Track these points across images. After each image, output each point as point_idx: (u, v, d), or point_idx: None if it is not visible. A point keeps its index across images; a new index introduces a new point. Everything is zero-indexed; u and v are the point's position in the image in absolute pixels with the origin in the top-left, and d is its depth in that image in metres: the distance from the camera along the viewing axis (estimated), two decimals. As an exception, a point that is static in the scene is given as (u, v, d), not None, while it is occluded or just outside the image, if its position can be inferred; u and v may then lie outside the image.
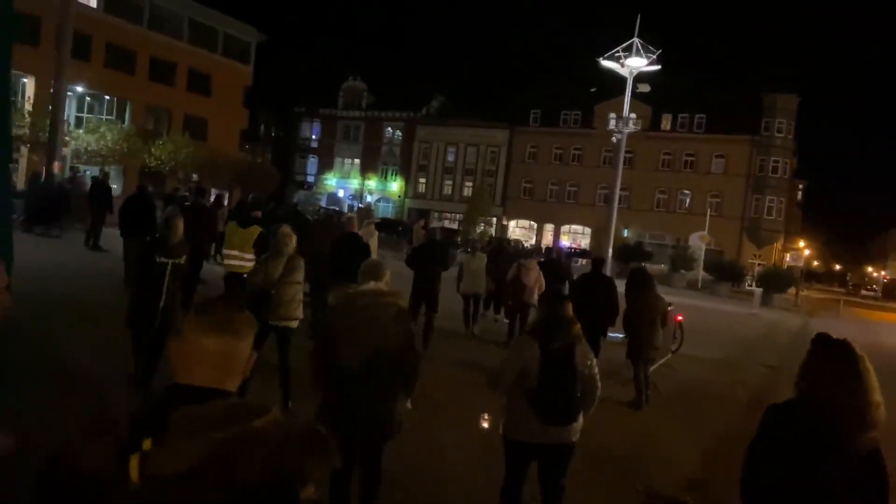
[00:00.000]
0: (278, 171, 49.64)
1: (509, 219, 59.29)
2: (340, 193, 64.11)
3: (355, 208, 58.63)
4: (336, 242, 9.01)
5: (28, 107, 30.97)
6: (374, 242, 10.88)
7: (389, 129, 64.32)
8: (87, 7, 37.82)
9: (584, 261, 33.51)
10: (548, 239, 56.98)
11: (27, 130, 29.61)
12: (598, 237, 42.32)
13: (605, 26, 74.13)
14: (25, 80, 33.85)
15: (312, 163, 67.66)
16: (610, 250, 25.55)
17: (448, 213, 61.16)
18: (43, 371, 5.97)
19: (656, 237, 52.27)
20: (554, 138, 58.32)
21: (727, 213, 52.02)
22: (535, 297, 9.65)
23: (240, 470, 1.23)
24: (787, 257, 48.64)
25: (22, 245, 14.34)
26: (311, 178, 67.01)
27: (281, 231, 6.12)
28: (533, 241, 53.40)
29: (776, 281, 33.11)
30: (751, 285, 37.11)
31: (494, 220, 57.19)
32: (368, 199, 63.02)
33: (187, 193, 15.87)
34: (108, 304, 8.39)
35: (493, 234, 49.34)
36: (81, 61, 36.64)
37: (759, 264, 45.24)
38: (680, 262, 37.65)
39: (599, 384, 3.91)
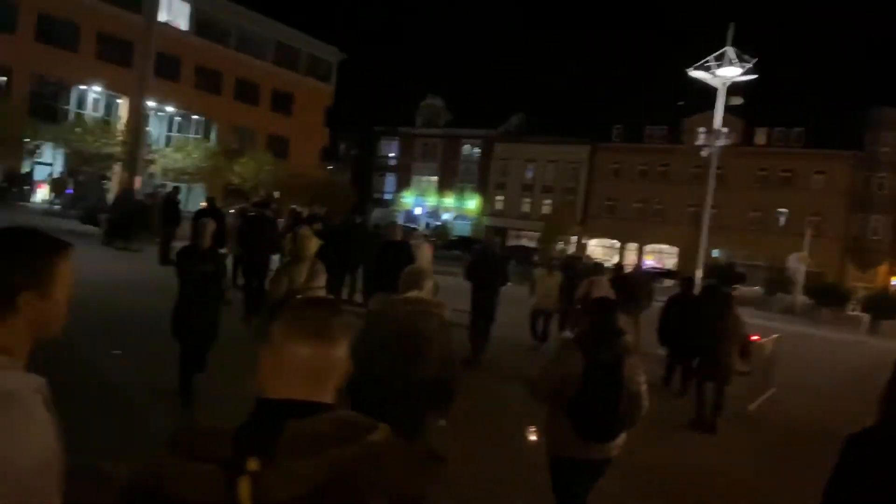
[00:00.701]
0: (356, 189, 50.01)
1: (590, 237, 57.53)
2: (418, 211, 64.04)
3: (432, 226, 58.56)
4: (379, 250, 9.09)
5: (121, 126, 32.02)
6: (423, 255, 10.55)
7: (467, 146, 63.92)
8: (178, 29, 39.22)
9: (672, 281, 31.72)
10: (631, 259, 54.87)
11: (119, 148, 30.58)
12: (686, 257, 40.22)
13: (692, 37, 71.63)
14: (119, 100, 35.19)
15: (391, 181, 68.02)
16: (700, 271, 23.98)
17: (526, 231, 59.97)
18: (90, 383, 5.89)
19: (748, 258, 49.37)
20: (638, 154, 56.36)
21: (827, 232, 48.51)
22: None
23: (363, 492, 1.16)
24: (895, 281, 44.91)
25: (100, 258, 14.43)
26: (389, 196, 67.34)
27: (301, 234, 5.87)
28: (614, 261, 51.30)
29: (886, 306, 30.30)
30: (854, 310, 34.22)
31: (574, 238, 55.60)
32: (445, 216, 62.63)
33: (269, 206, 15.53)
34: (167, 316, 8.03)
35: (570, 253, 47.86)
36: (171, 82, 38.02)
37: (864, 287, 41.85)
38: (777, 285, 35.19)
39: (646, 402, 3.60)
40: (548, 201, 59.20)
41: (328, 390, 1.32)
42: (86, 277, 11.45)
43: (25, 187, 30.72)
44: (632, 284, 11.91)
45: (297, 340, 1.30)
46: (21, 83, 32.51)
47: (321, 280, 5.79)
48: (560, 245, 50.44)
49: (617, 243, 57.37)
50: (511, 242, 53.06)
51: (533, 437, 4.24)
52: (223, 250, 13.58)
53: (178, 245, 13.64)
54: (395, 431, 3.14)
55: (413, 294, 3.56)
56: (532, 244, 51.88)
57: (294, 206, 18.48)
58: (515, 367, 8.84)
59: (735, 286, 32.75)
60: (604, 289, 10.13)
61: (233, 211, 16.82)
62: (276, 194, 41.53)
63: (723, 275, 35.17)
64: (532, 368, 8.90)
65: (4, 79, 32.26)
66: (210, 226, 5.97)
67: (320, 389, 1.30)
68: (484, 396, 7.15)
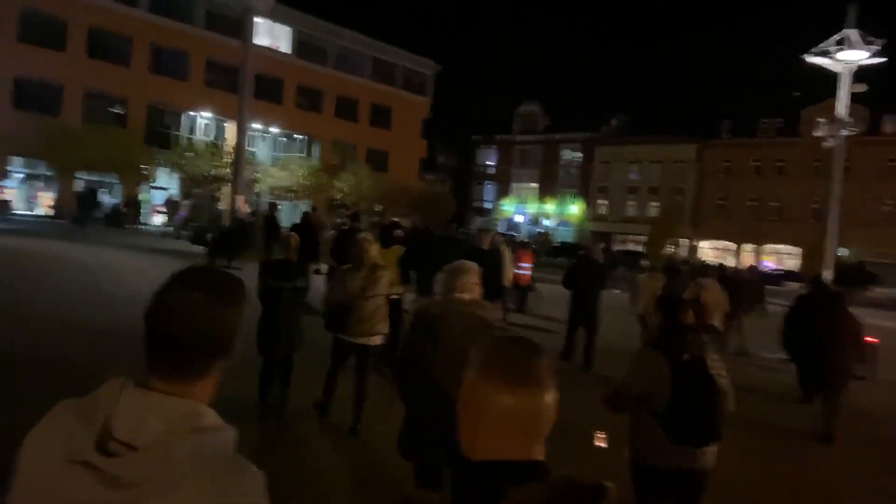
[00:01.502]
0: (455, 199, 49.98)
1: (701, 239, 54.70)
2: (518, 219, 63.29)
3: (534, 234, 57.60)
4: (464, 257, 8.24)
5: (228, 148, 33.39)
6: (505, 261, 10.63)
7: (567, 151, 62.59)
8: (280, 52, 40.64)
9: (798, 284, 29.31)
10: (747, 260, 51.63)
11: (228, 170, 31.87)
12: (810, 257, 37.19)
13: (804, 22, 66.66)
14: (227, 124, 36.72)
15: (490, 189, 67.70)
16: (828, 272, 21.94)
17: (632, 235, 57.86)
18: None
19: (881, 256, 45.15)
20: (750, 150, 53.09)
21: (972, 226, 43.72)
22: (717, 318, 9.21)
23: None
24: None
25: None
26: (488, 205, 67.02)
27: (360, 238, 5.69)
28: (730, 263, 48.52)
29: None
30: None
31: (684, 241, 53.01)
32: (546, 223, 61.50)
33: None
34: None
35: (674, 255, 45.60)
36: (275, 104, 39.44)
37: None
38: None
39: (731, 400, 3.44)
40: (654, 203, 56.91)
41: (539, 444, 1.18)
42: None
43: (142, 211, 32.60)
44: (741, 286, 11.40)
45: (502, 389, 1.15)
46: (137, 113, 34.64)
47: (381, 287, 5.53)
48: (670, 248, 48.28)
49: (731, 245, 54.24)
50: (617, 247, 51.30)
51: (602, 444, 3.66)
52: (319, 265, 13.72)
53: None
54: (439, 438, 2.89)
55: (451, 294, 3.44)
56: (639, 248, 49.97)
57: (376, 215, 18.34)
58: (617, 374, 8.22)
59: (866, 287, 29.88)
60: (713, 291, 9.74)
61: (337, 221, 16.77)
62: (378, 207, 42.27)
63: (851, 275, 32.17)
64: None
65: (121, 111, 34.40)
66: (293, 240, 5.87)
67: (531, 444, 1.17)
68: (585, 406, 6.79)
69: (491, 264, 8.78)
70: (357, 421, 5.46)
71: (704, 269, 12.92)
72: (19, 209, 31.25)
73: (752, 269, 17.29)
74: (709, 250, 54.58)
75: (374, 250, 5.62)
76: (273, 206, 17.19)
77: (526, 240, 18.95)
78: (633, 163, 58.60)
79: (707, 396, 3.26)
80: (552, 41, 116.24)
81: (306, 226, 13.61)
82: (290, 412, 5.80)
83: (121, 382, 1.14)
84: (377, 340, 5.61)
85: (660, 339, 3.53)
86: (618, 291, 22.73)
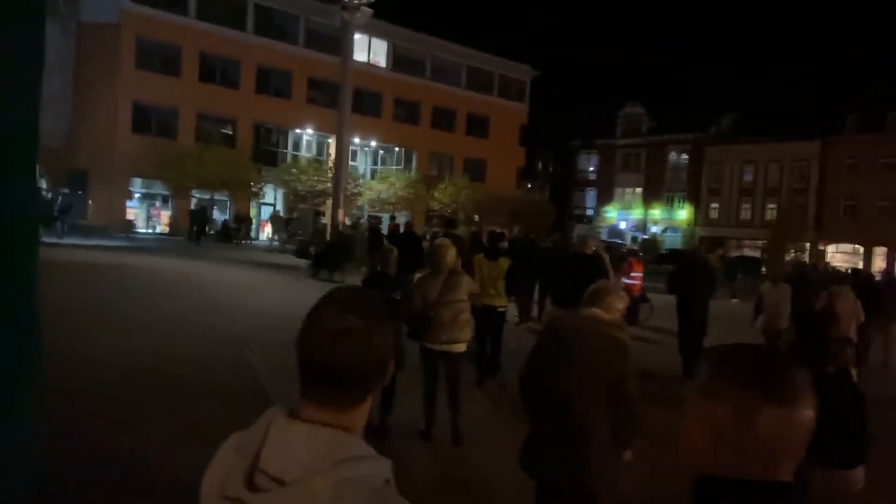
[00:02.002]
0: (555, 207, 48.85)
1: (827, 243, 50.70)
2: (622, 225, 61.17)
3: (639, 240, 55.43)
4: (565, 264, 8.81)
5: (330, 163, 33.97)
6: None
7: (673, 153, 59.92)
8: (378, 67, 41.15)
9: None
10: (879, 265, 47.34)
11: (330, 185, 32.40)
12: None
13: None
14: (329, 139, 37.45)
15: (591, 196, 65.88)
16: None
17: (747, 240, 54.56)
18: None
19: None
20: (880, 146, 48.65)
21: None
22: (853, 329, 8.52)
23: None
24: None
25: (304, 289, 14.72)
26: (590, 212, 65.22)
27: (436, 244, 5.69)
28: (859, 268, 44.71)
29: None
30: None
31: (807, 245, 49.34)
32: (653, 229, 59.06)
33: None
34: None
35: (800, 260, 42.36)
36: (374, 118, 39.93)
37: None
38: None
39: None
40: (772, 205, 53.36)
41: (789, 465, 1.09)
42: (285, 311, 11.41)
43: (252, 227, 33.68)
44: (879, 294, 10.63)
45: (753, 406, 1.06)
46: (244, 132, 35.94)
47: (460, 292, 5.41)
48: (791, 253, 45.07)
49: (860, 248, 49.94)
50: (733, 253, 48.50)
51: None
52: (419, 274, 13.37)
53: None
54: (559, 460, 3.05)
55: (590, 311, 3.27)
56: (755, 254, 46.95)
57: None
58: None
59: None
60: (848, 301, 8.91)
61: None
62: (476, 217, 41.90)
63: None
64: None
65: (230, 131, 35.79)
66: (392, 252, 5.85)
67: (777, 465, 1.08)
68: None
69: (594, 270, 8.58)
70: (456, 427, 5.40)
71: (837, 276, 11.85)
72: (140, 227, 33.10)
73: (888, 274, 15.62)
74: (836, 255, 50.60)
75: (452, 255, 5.54)
76: (379, 220, 16.92)
77: (635, 247, 17.95)
78: (748, 163, 55.23)
79: (854, 411, 3.12)
80: (655, 39, 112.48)
81: (409, 236, 13.29)
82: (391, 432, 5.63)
83: (274, 411, 1.14)
84: (460, 348, 5.53)
85: (800, 354, 3.35)
86: (736, 301, 21.19)
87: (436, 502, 4.50)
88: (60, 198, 23.26)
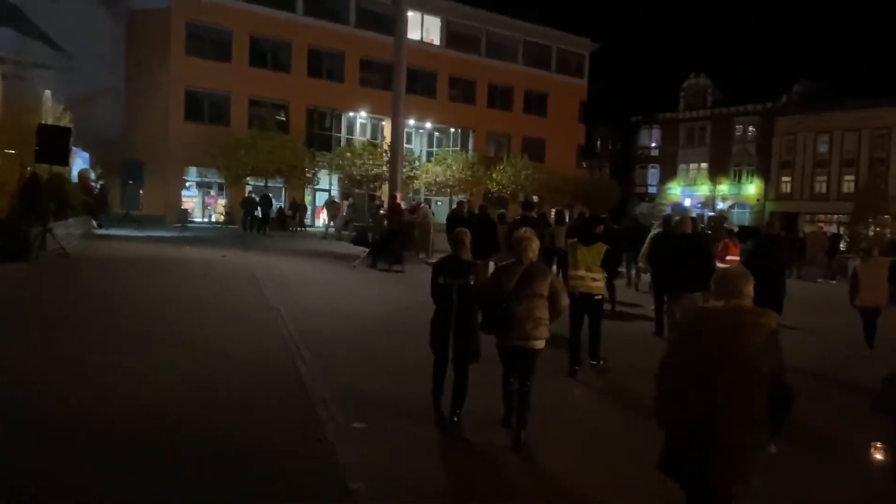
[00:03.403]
0: (618, 185, 46.84)
1: (910, 216, 47.26)
2: (687, 202, 58.52)
3: (706, 217, 52.91)
4: (671, 247, 8.79)
5: (385, 146, 32.99)
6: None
7: (741, 125, 56.82)
8: (432, 45, 39.83)
9: None
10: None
11: (385, 168, 31.43)
12: None
13: None
14: (383, 122, 36.47)
15: (653, 173, 63.29)
16: None
17: (823, 214, 51.41)
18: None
19: None
20: (972, 108, 44.95)
21: None
22: None
23: None
24: None
25: (362, 282, 13.70)
26: (652, 189, 62.69)
27: (518, 234, 5.38)
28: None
29: None
30: None
31: (887, 217, 46.07)
32: (720, 205, 56.28)
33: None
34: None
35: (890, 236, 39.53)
36: (429, 97, 38.70)
37: None
38: None
39: None
40: (849, 178, 50.07)
41: None
42: (340, 306, 10.34)
43: (307, 213, 33.01)
44: None
45: None
46: (298, 117, 35.20)
47: (541, 286, 5.09)
48: (872, 228, 42.15)
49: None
50: (807, 229, 45.69)
51: (879, 456, 3.93)
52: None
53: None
54: (718, 459, 2.99)
55: (732, 303, 3.09)
56: (832, 229, 44.11)
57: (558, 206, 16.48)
58: (853, 377, 7.85)
59: None
60: None
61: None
62: (535, 198, 40.41)
63: None
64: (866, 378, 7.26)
65: (283, 117, 35.13)
66: (465, 236, 5.56)
67: None
68: (824, 408, 6.42)
69: (705, 253, 8.59)
70: (518, 433, 5.04)
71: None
72: (197, 217, 32.86)
73: None
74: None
75: (536, 247, 5.29)
76: (461, 206, 15.72)
77: (735, 228, 16.76)
78: (823, 133, 51.88)
79: None
80: (719, 5, 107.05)
81: (484, 220, 12.22)
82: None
83: None
84: (538, 345, 5.17)
85: None
86: (835, 282, 19.35)
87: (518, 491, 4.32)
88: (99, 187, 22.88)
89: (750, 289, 3.15)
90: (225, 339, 7.75)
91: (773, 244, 10.05)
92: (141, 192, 31.56)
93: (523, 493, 4.45)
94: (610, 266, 7.91)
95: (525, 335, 5.07)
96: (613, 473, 4.76)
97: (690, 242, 8.75)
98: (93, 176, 21.67)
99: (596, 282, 7.39)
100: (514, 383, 5.16)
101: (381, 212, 19.87)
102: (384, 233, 16.73)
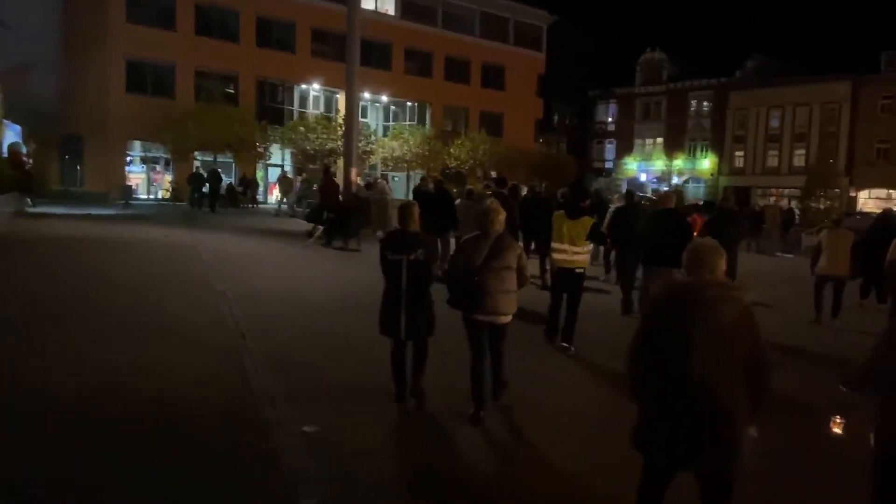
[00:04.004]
0: (575, 160, 46.68)
1: (858, 189, 48.41)
2: (643, 177, 58.86)
3: (661, 191, 53.28)
4: (650, 221, 8.65)
5: (339, 120, 31.97)
6: None
7: (695, 100, 57.17)
8: (387, 15, 38.69)
9: None
10: (917, 212, 45.05)
11: (339, 143, 30.47)
12: None
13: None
14: (337, 95, 35.36)
15: (610, 148, 63.45)
16: None
17: (774, 188, 52.32)
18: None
19: None
20: (919, 84, 45.99)
21: None
22: None
23: None
24: None
25: (318, 262, 13.02)
26: (609, 164, 62.87)
27: (485, 206, 5.22)
28: None
29: None
30: None
31: (836, 191, 47.09)
32: (675, 180, 56.76)
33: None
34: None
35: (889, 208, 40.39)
36: (384, 70, 37.65)
37: None
38: None
39: None
40: (800, 152, 50.97)
41: None
42: (292, 289, 9.68)
43: (259, 190, 31.87)
44: None
45: None
46: (247, 89, 33.82)
47: (509, 259, 4.99)
48: (823, 201, 43.04)
49: (895, 194, 47.66)
50: (762, 203, 46.44)
51: (837, 431, 3.86)
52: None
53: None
54: (705, 442, 2.85)
55: (706, 277, 2.98)
56: (785, 203, 44.87)
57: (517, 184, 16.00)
58: (798, 346, 8.09)
59: None
60: None
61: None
62: (493, 174, 39.90)
63: None
64: (823, 347, 8.20)
65: (232, 89, 33.72)
66: (414, 207, 5.24)
67: None
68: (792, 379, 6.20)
69: (685, 228, 8.37)
70: (497, 392, 5.26)
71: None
72: (142, 193, 31.41)
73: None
74: (867, 201, 48.39)
75: (502, 219, 5.11)
76: (424, 181, 15.00)
77: (701, 202, 16.69)
78: (775, 107, 52.56)
79: None
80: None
81: (442, 195, 11.73)
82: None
83: None
84: (506, 319, 5.11)
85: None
86: (791, 256, 19.43)
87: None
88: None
89: (722, 263, 3.04)
90: (161, 330, 7.05)
91: (729, 218, 10.29)
92: (78, 167, 29.91)
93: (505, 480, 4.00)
94: (596, 240, 7.73)
95: (497, 309, 4.98)
96: (593, 453, 4.50)
97: (673, 217, 8.53)
98: (24, 150, 20.29)
99: (578, 255, 7.25)
100: (485, 355, 5.09)
101: (315, 187, 19.15)
102: (339, 209, 15.99)
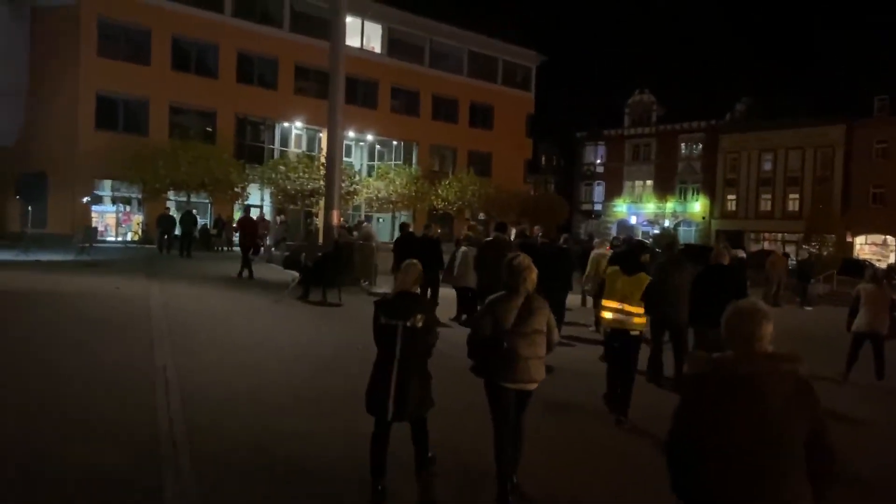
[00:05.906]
0: (565, 201, 45.48)
1: (854, 234, 47.46)
2: (633, 220, 57.79)
3: (651, 234, 52.10)
4: (700, 277, 7.90)
5: (322, 159, 30.40)
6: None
7: (685, 143, 56.50)
8: (373, 53, 37.58)
9: None
10: (913, 258, 44.12)
11: (322, 183, 28.83)
12: None
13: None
14: (321, 134, 33.93)
15: (599, 189, 62.48)
16: None
17: (767, 232, 51.37)
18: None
19: None
20: (913, 128, 45.45)
21: None
22: None
23: None
24: None
25: (291, 320, 11.16)
26: (598, 206, 61.81)
27: (517, 262, 4.57)
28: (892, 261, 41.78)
29: None
30: None
31: (832, 237, 46.09)
32: (667, 223, 55.68)
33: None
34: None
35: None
36: (370, 109, 36.36)
37: None
38: None
39: None
40: (794, 196, 50.16)
41: None
42: (253, 361, 7.79)
43: (235, 232, 30.01)
44: None
45: None
46: (226, 126, 32.22)
47: (539, 321, 4.45)
48: (819, 248, 41.94)
49: (891, 239, 46.75)
50: (754, 247, 45.26)
51: None
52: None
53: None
54: None
55: (753, 348, 2.54)
56: (780, 248, 43.72)
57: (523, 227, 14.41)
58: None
59: None
60: None
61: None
62: (482, 215, 38.44)
63: None
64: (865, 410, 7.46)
65: (209, 126, 32.12)
66: (414, 267, 4.56)
67: None
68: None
69: (739, 285, 7.56)
70: (511, 474, 4.51)
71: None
72: (112, 236, 29.41)
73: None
74: (863, 247, 47.43)
75: (535, 276, 4.55)
76: (406, 226, 13.87)
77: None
78: (767, 151, 51.89)
79: None
80: (663, 23, 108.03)
81: (428, 243, 10.30)
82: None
83: None
84: (533, 387, 4.57)
85: None
86: (810, 309, 17.86)
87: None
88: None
89: (765, 329, 2.55)
90: (66, 424, 5.16)
91: (721, 272, 8.78)
92: (32, 208, 27.83)
93: None
94: (650, 303, 6.72)
95: (530, 377, 4.51)
96: None
97: (730, 275, 7.85)
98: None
99: (632, 316, 6.48)
100: (510, 427, 4.52)
101: (234, 225, 17.57)
102: (317, 256, 14.21)
